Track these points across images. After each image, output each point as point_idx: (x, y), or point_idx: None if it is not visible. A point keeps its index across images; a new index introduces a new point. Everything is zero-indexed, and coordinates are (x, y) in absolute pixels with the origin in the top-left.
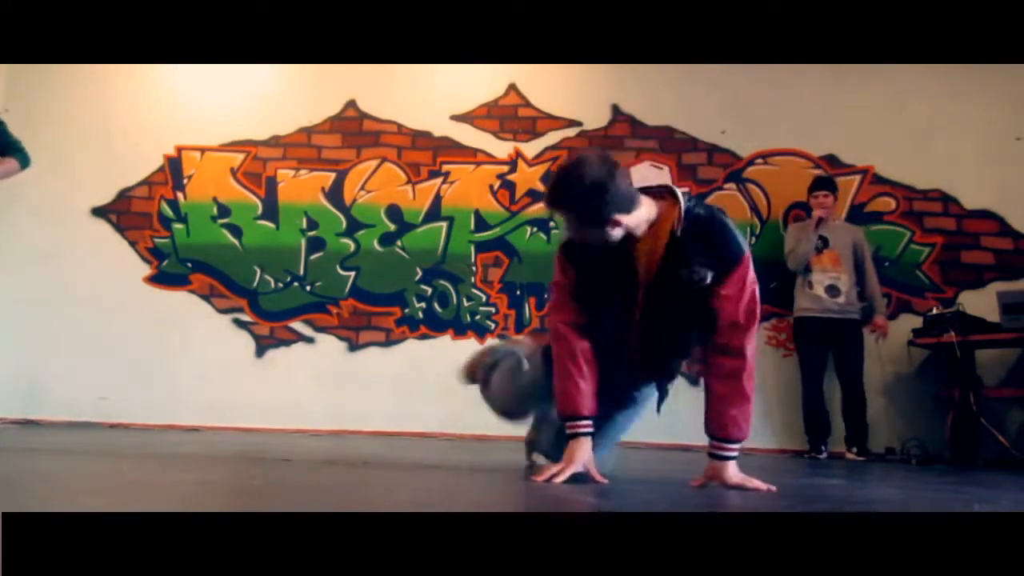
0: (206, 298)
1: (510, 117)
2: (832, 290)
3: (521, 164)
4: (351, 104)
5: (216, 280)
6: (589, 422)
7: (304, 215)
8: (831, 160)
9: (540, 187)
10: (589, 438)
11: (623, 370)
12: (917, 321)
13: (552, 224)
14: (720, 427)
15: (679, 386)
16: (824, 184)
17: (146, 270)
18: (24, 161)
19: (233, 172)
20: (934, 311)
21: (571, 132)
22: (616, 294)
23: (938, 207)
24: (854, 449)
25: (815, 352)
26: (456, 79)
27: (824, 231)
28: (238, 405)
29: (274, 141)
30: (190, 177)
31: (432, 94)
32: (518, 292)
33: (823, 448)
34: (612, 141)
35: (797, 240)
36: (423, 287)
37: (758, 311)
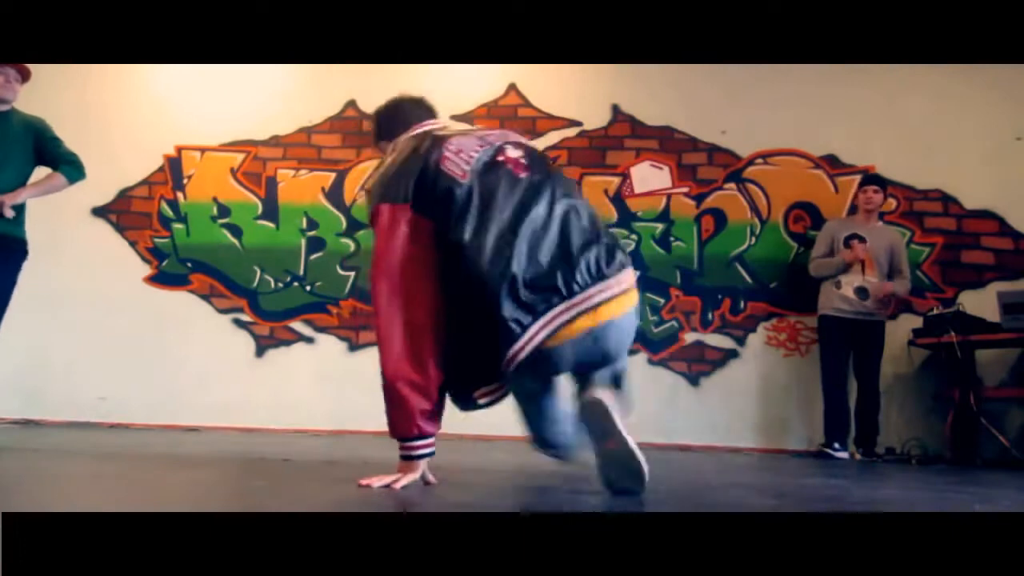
0: (206, 298)
1: (510, 117)
2: (861, 292)
3: None
4: (351, 104)
5: (216, 280)
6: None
7: (304, 215)
8: (831, 160)
9: None
10: None
11: None
12: (917, 321)
13: None
14: None
15: (678, 386)
16: (875, 179)
17: (146, 270)
18: (72, 175)
19: (233, 172)
20: (934, 311)
21: (571, 132)
22: None
23: (938, 207)
24: (860, 450)
25: (839, 353)
26: (456, 79)
27: (863, 231)
28: (238, 405)
29: (274, 141)
30: (190, 177)
31: (432, 94)
32: None
33: (838, 447)
34: (612, 141)
35: (825, 254)
36: None
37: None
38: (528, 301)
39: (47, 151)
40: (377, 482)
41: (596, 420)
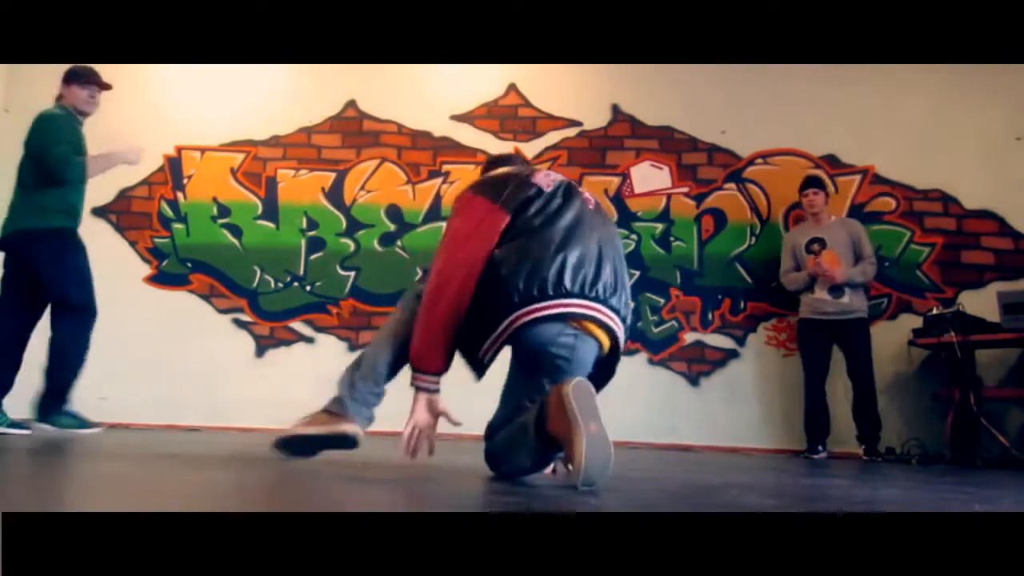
0: (206, 298)
1: (510, 117)
2: (835, 291)
3: None
4: (351, 104)
5: (216, 280)
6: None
7: (304, 215)
8: (831, 160)
9: None
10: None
11: None
12: (917, 321)
13: None
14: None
15: (679, 386)
16: (812, 182)
17: (146, 270)
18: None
19: (233, 172)
20: (934, 311)
21: (571, 132)
22: None
23: (938, 207)
24: (863, 447)
25: (818, 354)
26: (456, 79)
27: (819, 232)
28: (238, 405)
29: (274, 141)
30: (190, 177)
31: (432, 94)
32: None
33: (820, 448)
34: (612, 141)
35: (791, 267)
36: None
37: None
38: (539, 285)
39: None
40: (404, 444)
41: (585, 400)
